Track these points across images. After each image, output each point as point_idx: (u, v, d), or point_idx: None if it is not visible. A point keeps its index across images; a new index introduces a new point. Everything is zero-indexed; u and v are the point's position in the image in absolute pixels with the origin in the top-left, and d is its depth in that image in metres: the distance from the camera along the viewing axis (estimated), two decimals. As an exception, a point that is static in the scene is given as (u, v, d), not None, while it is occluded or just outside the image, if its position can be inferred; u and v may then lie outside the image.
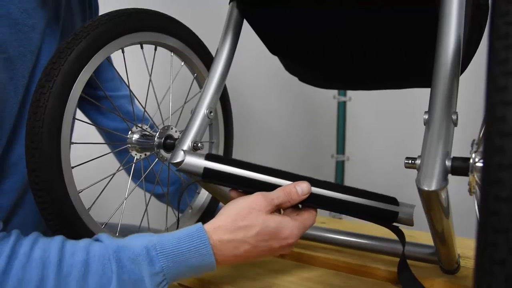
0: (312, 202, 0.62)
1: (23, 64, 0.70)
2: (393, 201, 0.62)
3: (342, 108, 1.55)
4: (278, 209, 0.62)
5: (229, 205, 0.60)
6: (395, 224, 0.63)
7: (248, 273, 0.72)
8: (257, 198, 0.59)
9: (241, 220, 0.57)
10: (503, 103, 0.29)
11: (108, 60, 0.86)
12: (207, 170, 0.63)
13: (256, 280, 0.71)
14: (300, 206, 0.64)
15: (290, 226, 0.59)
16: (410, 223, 0.61)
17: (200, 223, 0.58)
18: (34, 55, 0.72)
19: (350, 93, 1.56)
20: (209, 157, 0.64)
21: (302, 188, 0.60)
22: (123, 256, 0.54)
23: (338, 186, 0.64)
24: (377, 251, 0.76)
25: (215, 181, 0.65)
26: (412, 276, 0.61)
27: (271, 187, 0.61)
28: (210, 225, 0.58)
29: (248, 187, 0.63)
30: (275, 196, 0.60)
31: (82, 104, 0.95)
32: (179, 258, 0.55)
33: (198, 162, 0.63)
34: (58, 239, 0.56)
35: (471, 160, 0.49)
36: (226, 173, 0.63)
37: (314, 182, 0.62)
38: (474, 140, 0.50)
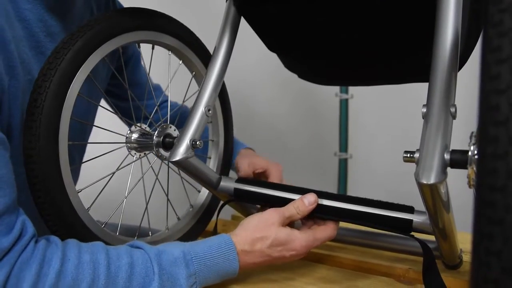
0: (323, 213, 0.68)
1: None
2: (408, 209, 0.65)
3: (344, 105, 1.54)
4: (292, 221, 0.69)
5: (248, 219, 0.68)
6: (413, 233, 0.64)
7: (252, 271, 0.72)
8: (270, 213, 0.67)
9: (258, 232, 0.65)
10: (496, 92, 0.29)
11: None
12: (236, 190, 0.76)
13: (259, 278, 0.71)
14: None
15: (298, 239, 0.66)
16: (427, 230, 0.63)
17: (226, 235, 0.66)
18: None
19: (352, 90, 1.56)
20: (239, 180, 0.77)
21: (309, 200, 0.68)
22: (163, 259, 0.60)
23: (350, 197, 0.68)
24: (380, 248, 0.76)
25: (244, 200, 0.77)
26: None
27: (286, 201, 0.69)
28: (234, 237, 0.66)
29: (268, 202, 0.74)
30: (286, 210, 0.68)
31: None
32: (210, 262, 0.62)
33: (230, 184, 0.76)
34: (100, 244, 0.60)
35: (469, 153, 0.48)
36: (252, 192, 0.74)
37: (324, 195, 0.69)
38: (472, 133, 0.50)
